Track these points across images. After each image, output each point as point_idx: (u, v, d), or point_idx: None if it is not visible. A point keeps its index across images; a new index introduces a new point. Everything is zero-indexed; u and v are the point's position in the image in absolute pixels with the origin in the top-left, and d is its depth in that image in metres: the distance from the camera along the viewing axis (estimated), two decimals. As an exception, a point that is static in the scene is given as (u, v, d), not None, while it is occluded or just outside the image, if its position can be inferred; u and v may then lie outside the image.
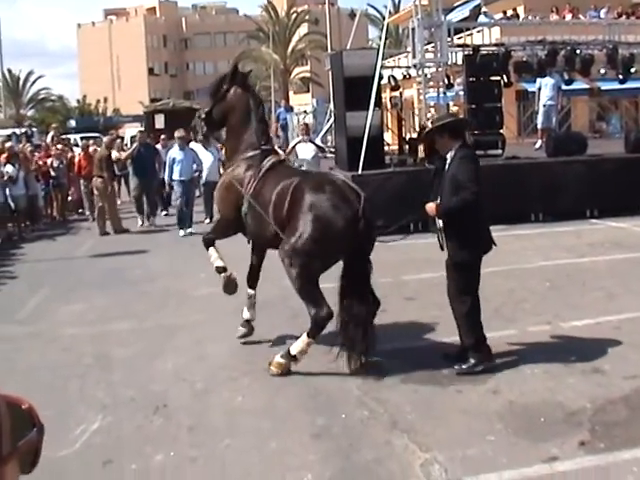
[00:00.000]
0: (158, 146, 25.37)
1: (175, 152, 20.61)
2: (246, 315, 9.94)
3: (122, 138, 40.78)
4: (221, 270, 9.75)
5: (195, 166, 20.74)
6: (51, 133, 31.94)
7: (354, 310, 8.51)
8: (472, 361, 8.30)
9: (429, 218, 8.64)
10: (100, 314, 11.98)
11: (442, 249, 8.58)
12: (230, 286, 9.82)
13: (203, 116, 10.48)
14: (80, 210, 26.23)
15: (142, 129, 29.93)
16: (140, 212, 22.19)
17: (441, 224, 8.45)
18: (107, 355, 9.84)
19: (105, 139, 23.46)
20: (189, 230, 19.53)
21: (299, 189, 8.69)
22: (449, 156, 8.47)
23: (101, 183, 21.08)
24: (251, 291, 9.98)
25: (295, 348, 8.51)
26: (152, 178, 22.48)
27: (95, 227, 21.19)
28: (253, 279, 10.04)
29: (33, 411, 1.98)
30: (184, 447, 6.88)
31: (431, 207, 8.32)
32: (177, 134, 20.92)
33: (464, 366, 8.29)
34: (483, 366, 8.28)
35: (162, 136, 27.18)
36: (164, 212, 23.99)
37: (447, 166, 8.47)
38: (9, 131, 44.63)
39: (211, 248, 9.85)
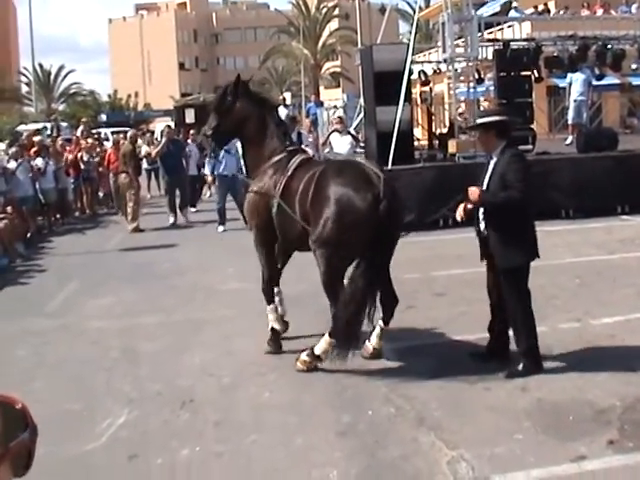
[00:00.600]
0: (188, 141, 25.37)
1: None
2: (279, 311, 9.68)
3: (152, 132, 40.97)
4: (276, 334, 9.37)
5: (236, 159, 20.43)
6: (81, 127, 32.02)
7: (362, 286, 8.31)
8: (524, 367, 8.10)
9: (469, 212, 8.33)
10: (128, 308, 12.02)
11: (482, 259, 8.54)
12: (273, 349, 9.34)
13: (209, 133, 10.01)
14: (110, 204, 26.26)
15: (170, 124, 29.62)
16: (172, 210, 21.70)
17: (483, 227, 8.29)
18: (134, 349, 9.87)
19: (129, 133, 23.25)
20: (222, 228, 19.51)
21: (322, 176, 8.57)
22: (495, 155, 8.28)
23: (125, 178, 20.91)
24: (276, 288, 9.70)
25: (319, 348, 8.41)
26: (182, 174, 22.37)
27: (124, 221, 21.18)
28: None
29: (26, 411, 1.94)
30: (210, 442, 6.87)
31: (475, 191, 8.03)
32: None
33: (515, 370, 8.08)
34: (534, 374, 8.02)
35: (191, 131, 27.20)
36: (193, 208, 23.60)
37: (493, 165, 8.28)
38: (40, 125, 44.86)
39: (271, 305, 9.47)
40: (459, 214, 8.31)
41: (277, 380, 8.42)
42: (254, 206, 9.41)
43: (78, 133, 30.33)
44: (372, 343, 8.81)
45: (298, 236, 8.81)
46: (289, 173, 9.04)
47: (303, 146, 13.46)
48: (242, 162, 11.23)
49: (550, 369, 8.25)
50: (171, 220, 21.55)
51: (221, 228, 19.49)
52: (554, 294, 11.43)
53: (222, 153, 19.09)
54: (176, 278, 14.01)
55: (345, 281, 8.44)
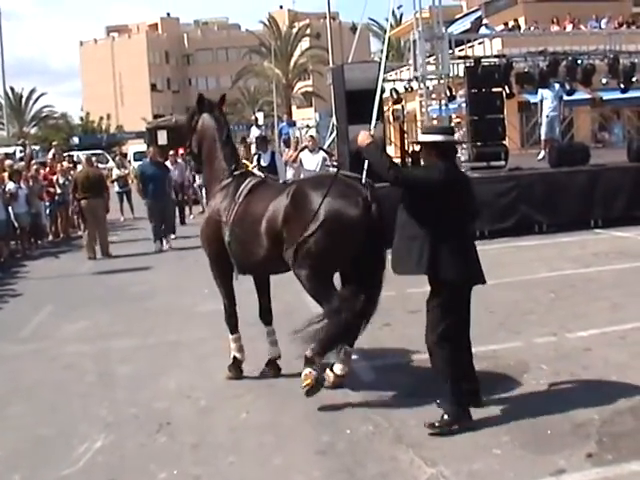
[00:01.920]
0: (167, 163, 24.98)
1: None
2: (270, 353, 9.28)
3: (125, 155, 40.86)
4: (237, 362, 9.15)
5: None
6: (52, 151, 31.87)
7: (357, 301, 7.98)
8: (447, 418, 7.12)
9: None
10: (103, 331, 11.96)
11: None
12: (234, 375, 9.14)
13: (188, 151, 10.16)
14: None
15: (155, 145, 28.67)
16: (157, 237, 20.73)
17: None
18: (110, 373, 9.81)
19: (83, 158, 22.73)
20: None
21: (299, 191, 8.25)
22: None
23: (85, 204, 20.32)
24: (268, 327, 9.34)
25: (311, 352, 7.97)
26: (165, 199, 21.32)
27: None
28: (265, 314, 9.35)
29: None
30: (188, 465, 6.82)
31: (365, 134, 7.53)
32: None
33: (437, 424, 7.07)
34: (458, 425, 7.06)
35: (171, 152, 26.95)
36: (173, 235, 21.90)
37: None
38: (11, 149, 44.67)
39: (234, 335, 9.19)
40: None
41: (254, 401, 8.38)
42: (205, 234, 9.22)
43: (49, 156, 30.18)
44: (337, 370, 8.40)
45: (260, 260, 8.53)
46: (240, 199, 8.76)
47: (279, 165, 13.40)
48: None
49: (527, 383, 8.26)
50: (156, 247, 20.62)
51: None
52: (529, 309, 11.47)
53: None
54: (151, 300, 13.95)
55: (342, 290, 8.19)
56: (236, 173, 9.16)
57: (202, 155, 9.62)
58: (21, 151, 41.88)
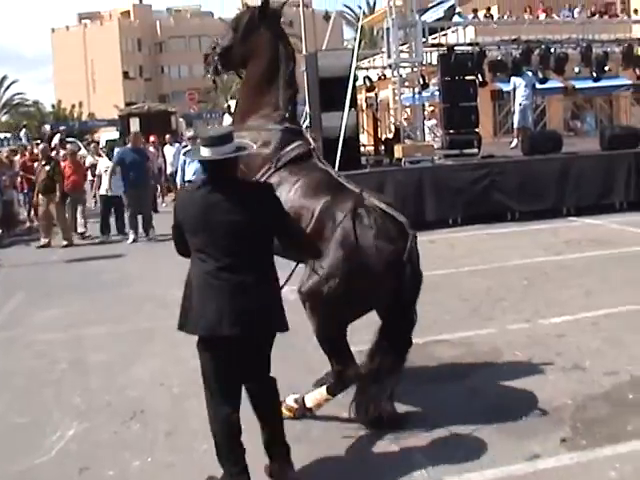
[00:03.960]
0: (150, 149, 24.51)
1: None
2: None
3: (98, 142, 40.58)
4: None
5: None
6: (58, 136, 31.31)
7: (387, 362, 6.81)
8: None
9: None
10: (76, 319, 11.87)
11: None
12: None
13: (219, 51, 8.43)
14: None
15: (137, 131, 27.87)
16: (133, 227, 20.11)
17: None
18: (83, 360, 9.75)
19: (40, 148, 22.30)
20: None
21: (329, 211, 6.81)
22: None
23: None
24: None
25: (311, 400, 7.20)
26: (145, 188, 20.65)
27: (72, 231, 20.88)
28: None
29: None
30: (162, 452, 6.79)
31: None
32: (189, 134, 20.39)
33: None
34: None
35: (151, 138, 26.74)
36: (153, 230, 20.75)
37: None
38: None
39: None
40: None
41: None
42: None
43: (56, 141, 29.86)
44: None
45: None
46: (278, 165, 7.45)
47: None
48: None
49: (501, 370, 8.29)
50: (131, 238, 20.05)
51: None
52: (502, 296, 11.51)
53: (188, 160, 18.80)
54: (124, 288, 13.87)
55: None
56: (288, 126, 7.74)
57: (246, 72, 8.36)
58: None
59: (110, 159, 21.41)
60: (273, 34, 8.05)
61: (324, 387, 7.16)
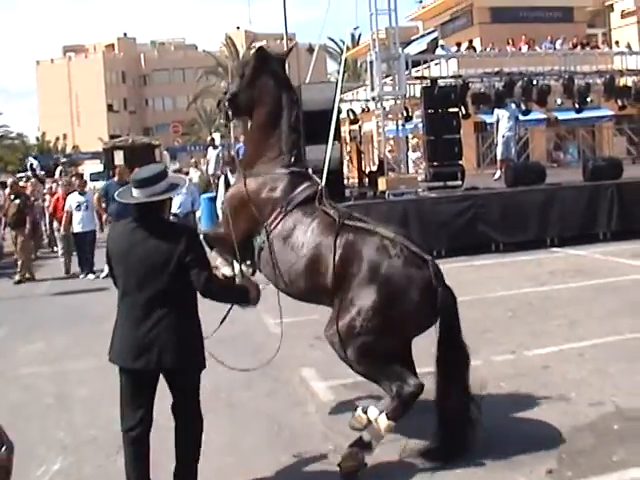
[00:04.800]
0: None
1: None
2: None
3: (82, 175, 40.54)
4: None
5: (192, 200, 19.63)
6: (59, 168, 31.11)
7: (451, 402, 6.92)
8: None
9: None
10: (61, 353, 11.84)
11: None
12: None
13: (228, 97, 8.39)
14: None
15: (123, 165, 27.56)
16: None
17: None
18: (68, 394, 9.71)
19: (8, 182, 22.13)
20: None
21: (353, 248, 6.88)
22: None
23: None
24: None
25: (370, 434, 6.76)
26: None
27: (54, 265, 20.83)
28: None
29: (1, 430, 1.91)
30: (147, 487, 6.75)
31: None
32: (173, 167, 20.29)
33: None
34: None
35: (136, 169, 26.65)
36: None
37: None
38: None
39: (214, 250, 7.84)
40: None
41: (213, 421, 8.31)
42: (240, 207, 7.74)
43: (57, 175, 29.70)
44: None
45: (298, 288, 7.34)
46: (289, 208, 7.46)
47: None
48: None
49: (486, 402, 8.28)
50: (106, 271, 20.15)
51: None
52: (487, 327, 11.52)
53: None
54: (108, 322, 13.68)
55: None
56: (294, 169, 7.79)
57: (253, 117, 8.31)
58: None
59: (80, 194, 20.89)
60: (276, 80, 8.10)
61: (383, 414, 6.72)
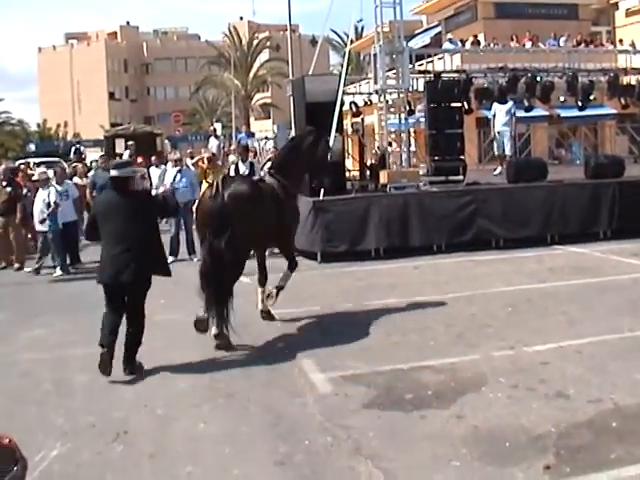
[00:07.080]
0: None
1: (170, 175, 19.56)
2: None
3: (85, 163, 40.44)
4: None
5: (191, 189, 19.34)
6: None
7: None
8: None
9: None
10: (60, 339, 11.84)
11: None
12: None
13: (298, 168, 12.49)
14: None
15: (103, 154, 27.53)
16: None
17: None
18: (67, 381, 9.72)
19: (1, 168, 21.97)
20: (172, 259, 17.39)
21: None
22: None
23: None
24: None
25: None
26: None
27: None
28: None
29: (15, 446, 1.90)
30: (145, 474, 6.78)
31: None
32: (172, 156, 20.25)
33: None
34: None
35: (153, 157, 26.69)
36: None
37: None
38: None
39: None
40: None
41: (212, 411, 8.35)
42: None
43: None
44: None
45: None
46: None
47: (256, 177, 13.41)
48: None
49: (485, 396, 8.30)
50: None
51: (170, 258, 16.77)
52: (486, 322, 11.53)
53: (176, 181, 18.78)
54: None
55: None
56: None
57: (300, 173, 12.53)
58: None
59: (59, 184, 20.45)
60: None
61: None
